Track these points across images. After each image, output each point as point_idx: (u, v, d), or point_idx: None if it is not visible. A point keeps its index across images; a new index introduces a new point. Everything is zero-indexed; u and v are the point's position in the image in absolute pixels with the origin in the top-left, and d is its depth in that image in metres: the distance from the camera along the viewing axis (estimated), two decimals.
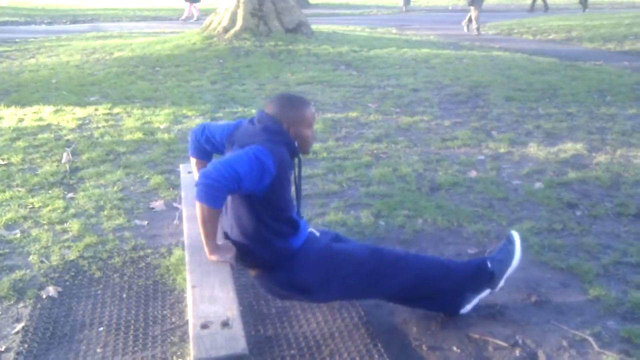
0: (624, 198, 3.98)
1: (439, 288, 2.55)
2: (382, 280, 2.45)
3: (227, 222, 2.38)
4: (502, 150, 5.03)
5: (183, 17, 17.97)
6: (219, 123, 2.60)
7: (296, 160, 2.43)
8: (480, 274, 2.57)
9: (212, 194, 2.08)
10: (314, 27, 12.12)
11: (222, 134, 2.51)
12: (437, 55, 10.00)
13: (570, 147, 5.07)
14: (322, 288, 2.42)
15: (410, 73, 8.51)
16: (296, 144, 2.35)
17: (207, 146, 2.57)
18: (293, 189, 2.44)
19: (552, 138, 5.40)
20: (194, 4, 17.11)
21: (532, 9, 20.75)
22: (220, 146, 2.52)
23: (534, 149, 5.05)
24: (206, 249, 2.23)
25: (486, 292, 2.62)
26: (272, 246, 2.33)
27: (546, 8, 20.38)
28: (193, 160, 2.71)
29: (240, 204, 2.28)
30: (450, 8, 23.33)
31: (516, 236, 2.61)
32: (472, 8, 14.21)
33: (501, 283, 2.59)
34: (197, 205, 2.11)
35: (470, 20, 14.61)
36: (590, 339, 2.51)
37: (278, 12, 11.01)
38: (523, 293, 2.86)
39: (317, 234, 2.57)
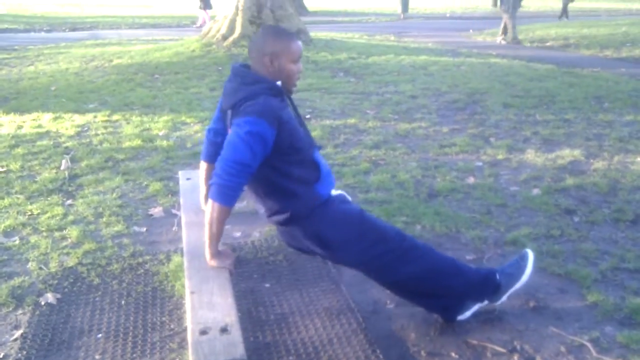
0: (622, 204, 4.00)
1: (446, 286, 2.52)
2: (398, 262, 2.43)
3: (253, 192, 2.39)
4: (500, 156, 5.05)
5: (197, 24, 18.02)
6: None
7: (287, 99, 2.38)
8: (487, 284, 2.57)
9: (226, 193, 2.10)
10: (312, 34, 12.17)
11: (217, 113, 2.55)
12: (435, 62, 10.04)
13: (567, 154, 5.08)
14: (344, 248, 2.40)
15: (408, 80, 8.54)
16: (279, 83, 2.31)
17: (218, 139, 2.55)
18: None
19: (549, 144, 5.41)
20: (207, 10, 17.15)
21: (563, 14, 20.97)
22: (224, 129, 2.50)
23: (531, 156, 5.06)
24: (207, 253, 2.24)
25: (485, 303, 2.62)
26: (297, 195, 2.31)
27: (565, 15, 20.58)
28: (203, 166, 2.71)
29: (260, 169, 2.25)
30: (448, 15, 23.43)
31: (530, 255, 2.60)
32: (505, 17, 13.61)
33: (504, 298, 2.59)
34: (209, 203, 2.13)
35: (505, 31, 13.96)
36: (589, 344, 2.51)
37: (276, 20, 11.05)
38: (521, 299, 2.86)
39: (349, 198, 2.57)
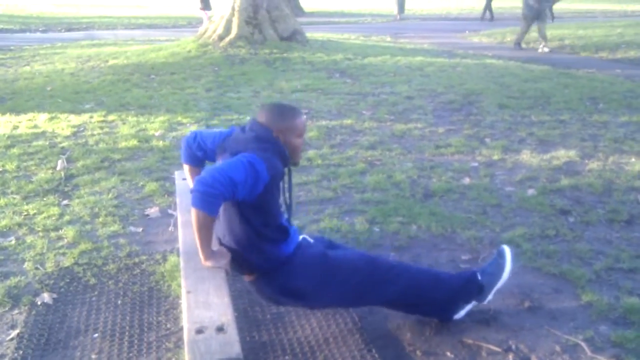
0: (616, 204, 4.02)
1: (430, 297, 2.58)
2: (376, 287, 2.47)
3: (220, 228, 2.39)
4: (495, 157, 5.07)
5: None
6: (211, 130, 2.62)
7: (286, 169, 2.44)
8: (470, 286, 2.60)
9: (208, 200, 2.09)
10: (308, 35, 12.17)
11: (214, 141, 2.53)
12: (431, 63, 10.06)
13: (562, 154, 5.11)
14: (316, 294, 2.43)
15: (404, 81, 8.56)
16: (287, 152, 2.37)
17: (198, 153, 2.59)
18: (282, 201, 2.46)
19: (544, 145, 5.44)
20: (207, 11, 17.10)
21: (483, 17, 20.87)
22: (212, 154, 2.54)
23: (527, 156, 5.08)
24: (201, 255, 2.25)
25: (472, 304, 2.64)
26: (263, 252, 2.35)
27: (551, 17, 20.49)
28: (186, 167, 2.72)
29: (232, 211, 2.30)
30: (444, 15, 23.48)
31: (507, 251, 2.62)
32: (538, 24, 12.43)
33: (489, 296, 2.61)
34: (193, 211, 2.13)
35: (544, 38, 12.62)
36: (583, 344, 2.53)
37: (273, 20, 11.06)
38: (516, 298, 2.88)
39: (311, 240, 2.59)
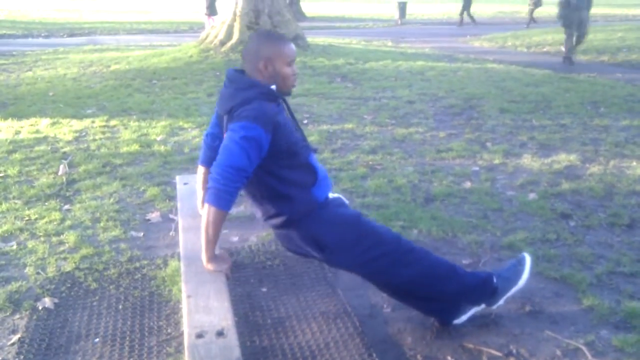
0: (617, 208, 4.02)
1: (442, 290, 2.53)
2: (395, 265, 2.44)
3: (249, 190, 2.39)
4: (496, 161, 5.07)
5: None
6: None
7: (282, 102, 2.39)
8: (485, 287, 2.57)
9: (223, 197, 2.11)
10: (310, 39, 12.21)
11: (214, 118, 2.57)
12: (432, 68, 10.08)
13: (564, 158, 5.11)
14: (340, 252, 2.41)
15: (405, 85, 8.57)
16: (274, 87, 2.32)
17: (215, 143, 2.57)
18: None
19: (546, 149, 5.44)
20: (213, 17, 17.10)
21: (462, 23, 20.78)
22: (221, 132, 2.52)
23: (528, 160, 5.09)
24: (204, 257, 2.25)
25: (482, 307, 2.63)
26: (294, 200, 2.32)
27: (531, 21, 20.35)
28: (201, 170, 2.72)
29: (257, 174, 2.27)
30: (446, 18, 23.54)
31: (528, 259, 2.61)
32: (572, 31, 10.98)
33: (501, 302, 2.59)
34: (206, 207, 2.14)
35: (577, 43, 11.32)
36: (584, 348, 2.52)
37: (274, 25, 11.10)
38: (517, 303, 2.87)
39: (346, 201, 2.57)
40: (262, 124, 2.16)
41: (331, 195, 2.54)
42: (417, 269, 2.47)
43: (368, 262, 2.45)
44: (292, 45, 2.38)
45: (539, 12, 21.06)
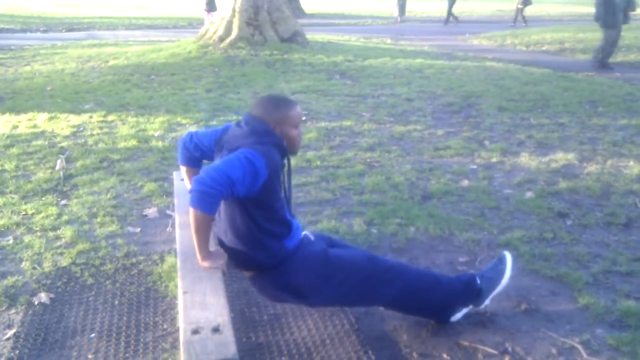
0: (614, 208, 4.02)
1: (428, 300, 2.58)
2: (375, 288, 2.47)
3: (221, 226, 2.39)
4: (494, 159, 5.07)
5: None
6: (207, 129, 2.61)
7: (285, 161, 2.42)
8: (469, 290, 2.60)
9: (206, 200, 2.09)
10: (309, 36, 12.19)
11: (210, 139, 2.52)
12: (430, 66, 10.07)
13: (561, 157, 5.11)
14: (316, 292, 2.42)
15: (404, 83, 8.56)
16: (284, 143, 2.35)
17: (196, 153, 2.58)
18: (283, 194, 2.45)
19: (543, 148, 5.44)
20: (212, 12, 17.02)
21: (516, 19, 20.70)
22: (210, 152, 2.53)
23: (525, 159, 5.09)
24: (198, 256, 2.24)
25: (470, 307, 2.65)
26: (266, 248, 2.33)
27: (518, 20, 20.19)
28: (183, 169, 2.71)
29: (234, 208, 2.29)
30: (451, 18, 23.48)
31: (508, 257, 2.63)
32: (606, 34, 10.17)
33: (487, 301, 2.61)
34: (191, 211, 2.13)
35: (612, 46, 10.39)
36: (579, 346, 2.53)
37: (273, 22, 11.08)
38: (513, 301, 2.88)
39: (312, 237, 2.57)
40: (267, 161, 2.18)
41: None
42: (399, 286, 2.49)
43: (348, 293, 2.46)
44: (298, 108, 2.42)
45: (536, 12, 21.02)
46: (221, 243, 2.42)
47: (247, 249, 2.34)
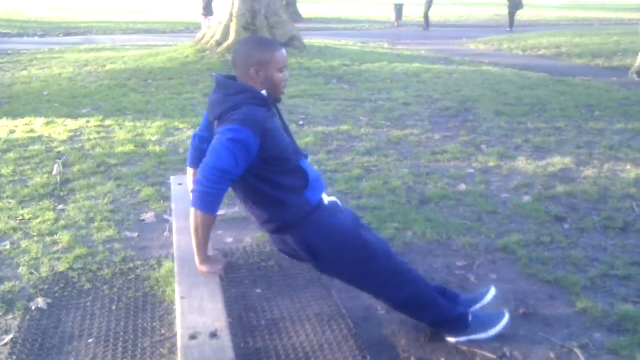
0: (611, 212, 4.03)
1: (421, 316, 2.60)
2: (382, 287, 2.47)
3: (240, 196, 2.38)
4: (491, 164, 5.08)
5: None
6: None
7: (273, 108, 2.37)
8: (458, 323, 2.58)
9: (206, 200, 2.10)
10: (306, 41, 12.21)
11: (204, 122, 2.55)
12: (428, 70, 10.10)
13: (558, 161, 5.12)
14: (331, 261, 2.41)
15: (401, 87, 8.58)
16: (265, 92, 2.30)
17: (204, 146, 2.55)
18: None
19: (540, 152, 5.45)
20: (209, 17, 16.99)
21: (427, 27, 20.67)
22: (210, 137, 2.48)
23: (522, 163, 5.10)
24: (197, 259, 2.24)
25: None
26: (287, 205, 2.31)
27: (511, 26, 20.16)
28: (190, 171, 2.71)
29: (246, 175, 2.25)
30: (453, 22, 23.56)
31: (507, 317, 2.60)
32: None
33: (462, 339, 2.57)
34: (192, 211, 2.13)
35: None
36: (577, 351, 2.53)
37: (271, 27, 11.09)
38: (511, 305, 2.88)
39: (342, 206, 2.54)
40: (251, 127, 2.13)
41: (327, 198, 2.51)
42: (401, 295, 2.50)
43: (356, 277, 2.48)
44: (284, 51, 2.35)
45: (532, 16, 21.09)
46: (250, 217, 2.43)
47: (269, 211, 2.33)
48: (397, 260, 2.52)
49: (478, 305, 2.69)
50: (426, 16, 20.56)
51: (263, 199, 2.32)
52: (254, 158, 2.19)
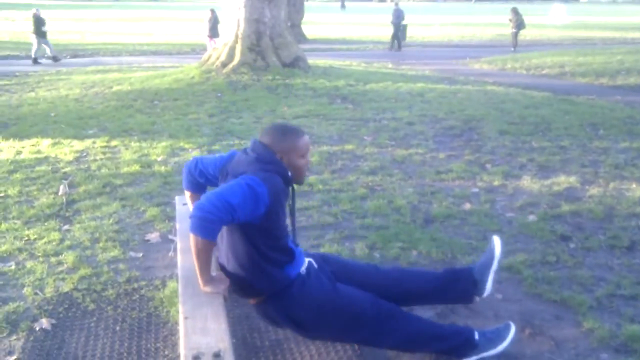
0: (617, 230, 4.01)
1: (425, 349, 2.58)
2: (376, 335, 2.45)
3: (223, 253, 2.38)
4: (496, 183, 5.08)
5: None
6: (212, 156, 2.61)
7: (290, 189, 2.43)
8: (466, 344, 2.55)
9: (205, 226, 2.10)
10: (310, 61, 12.29)
11: (215, 166, 2.52)
12: (432, 90, 10.14)
13: (563, 180, 5.11)
14: (317, 328, 2.42)
15: (405, 107, 8.61)
16: (290, 173, 2.36)
17: (200, 180, 2.58)
18: (288, 220, 2.45)
19: (545, 171, 5.45)
20: (215, 39, 17.13)
21: (392, 47, 20.59)
22: (214, 179, 2.53)
23: (527, 182, 5.09)
24: (200, 281, 2.24)
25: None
26: (268, 275, 2.33)
27: (515, 46, 20.18)
28: (187, 194, 2.72)
29: (236, 234, 2.29)
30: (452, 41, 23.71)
31: (513, 328, 2.60)
32: None
33: (474, 358, 2.56)
34: (191, 237, 2.13)
35: None
36: None
37: (275, 47, 11.19)
38: (517, 325, 2.84)
39: (316, 265, 2.52)
40: (269, 188, 2.19)
41: (303, 266, 2.47)
42: (398, 337, 2.47)
43: (347, 334, 2.46)
44: (306, 138, 2.43)
45: (536, 36, 21.16)
46: (223, 268, 2.41)
47: (249, 276, 2.34)
48: (385, 305, 2.48)
49: (495, 263, 2.63)
50: (395, 39, 20.51)
51: (247, 262, 2.32)
52: (256, 217, 2.20)
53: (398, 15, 20.22)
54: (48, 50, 16.05)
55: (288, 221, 2.44)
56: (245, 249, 2.30)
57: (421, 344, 2.53)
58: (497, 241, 2.65)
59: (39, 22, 15.71)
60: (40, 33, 15.72)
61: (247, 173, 2.24)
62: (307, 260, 2.51)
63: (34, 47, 15.76)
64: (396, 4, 21.19)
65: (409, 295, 2.57)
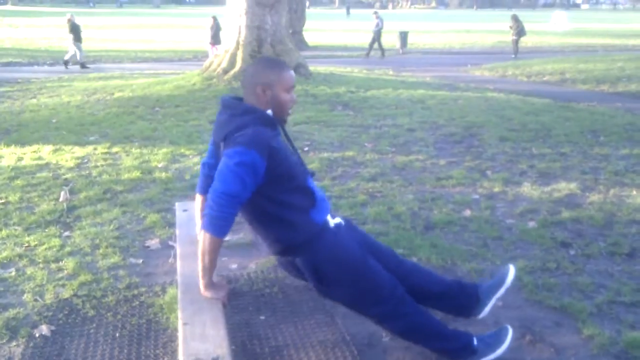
0: (617, 237, 4.00)
1: (425, 344, 2.58)
2: (385, 317, 2.47)
3: (247, 218, 2.38)
4: (496, 189, 5.08)
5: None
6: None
7: (280, 128, 2.38)
8: (465, 350, 2.56)
9: (217, 223, 2.11)
10: (312, 68, 12.33)
11: (211, 147, 2.56)
12: (432, 96, 10.16)
13: (563, 187, 5.11)
14: (337, 287, 2.41)
15: (406, 113, 8.63)
16: (270, 112, 2.31)
17: (212, 172, 2.50)
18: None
19: (545, 178, 5.45)
20: (216, 46, 17.17)
21: (369, 54, 20.75)
22: (218, 162, 2.51)
23: (527, 189, 5.09)
24: (201, 284, 2.24)
25: None
26: (292, 224, 2.30)
27: (515, 53, 20.23)
28: (199, 198, 2.70)
29: (251, 197, 2.24)
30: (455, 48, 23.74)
31: (510, 331, 2.60)
32: None
33: None
34: (202, 234, 2.14)
35: None
36: None
37: (277, 54, 11.21)
38: (517, 332, 2.85)
39: (345, 227, 2.52)
40: (257, 148, 2.15)
41: (332, 221, 2.47)
42: (404, 324, 2.49)
43: (360, 304, 2.47)
44: (292, 72, 2.38)
45: (537, 43, 21.21)
46: (253, 233, 2.41)
47: (275, 232, 2.33)
48: (401, 289, 2.50)
49: (502, 290, 2.61)
50: (376, 45, 20.62)
51: (269, 220, 2.32)
52: (261, 178, 2.20)
53: (377, 24, 20.48)
54: (78, 55, 16.17)
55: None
56: (265, 208, 2.28)
57: (422, 338, 2.54)
58: (512, 271, 2.63)
59: (75, 28, 15.92)
60: (79, 38, 15.91)
61: (228, 141, 2.21)
62: (338, 219, 2.49)
63: (78, 53, 15.95)
64: (375, 12, 21.59)
65: (413, 291, 2.56)
